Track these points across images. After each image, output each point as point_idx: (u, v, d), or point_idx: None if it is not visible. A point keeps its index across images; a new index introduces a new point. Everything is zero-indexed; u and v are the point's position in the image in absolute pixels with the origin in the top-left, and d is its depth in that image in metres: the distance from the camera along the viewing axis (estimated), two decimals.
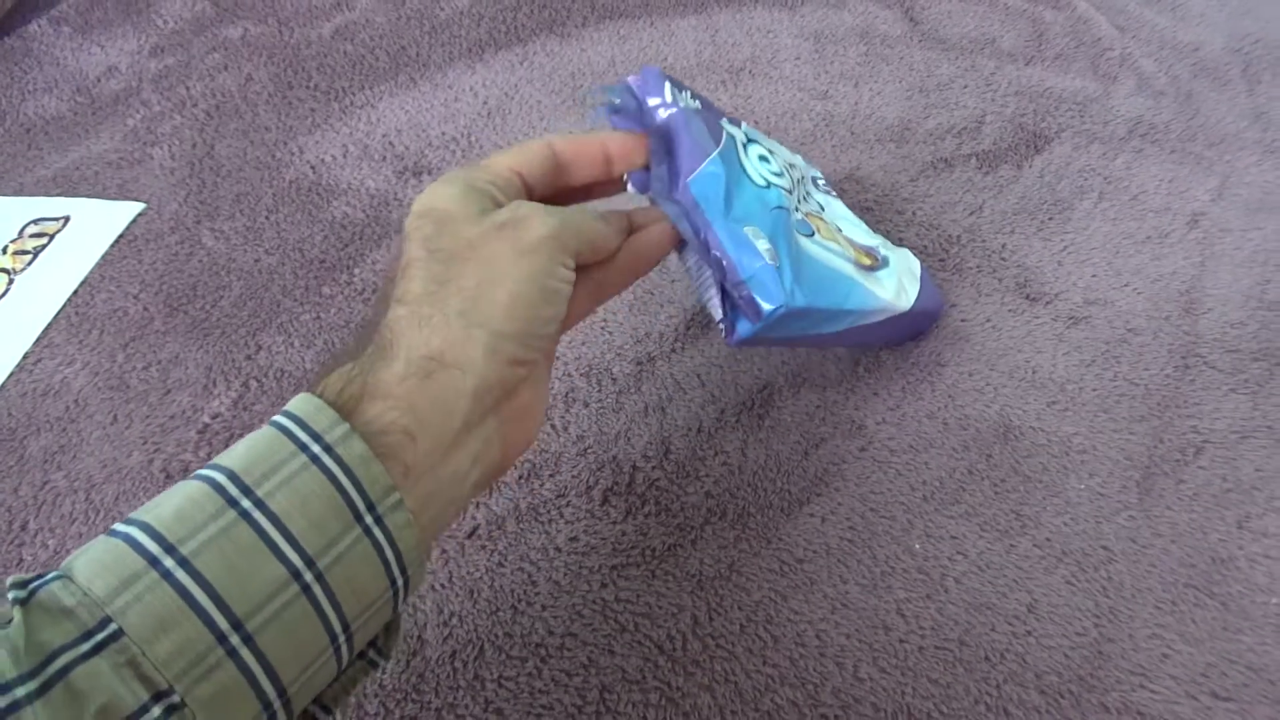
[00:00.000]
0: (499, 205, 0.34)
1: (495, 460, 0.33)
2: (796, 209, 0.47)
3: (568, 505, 0.50)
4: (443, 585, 0.47)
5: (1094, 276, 0.60)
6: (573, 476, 0.52)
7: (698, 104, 0.44)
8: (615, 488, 0.51)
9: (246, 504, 0.26)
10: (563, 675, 0.44)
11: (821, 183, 0.57)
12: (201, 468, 0.27)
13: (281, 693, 0.26)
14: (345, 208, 0.68)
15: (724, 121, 0.45)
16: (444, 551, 0.49)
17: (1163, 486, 0.50)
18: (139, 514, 0.26)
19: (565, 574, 0.48)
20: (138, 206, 0.69)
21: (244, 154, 0.73)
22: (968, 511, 0.49)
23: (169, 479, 0.52)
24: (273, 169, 0.72)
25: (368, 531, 0.27)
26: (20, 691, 0.21)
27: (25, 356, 0.59)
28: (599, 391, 0.55)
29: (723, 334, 0.41)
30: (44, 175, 0.73)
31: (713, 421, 0.53)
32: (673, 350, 0.57)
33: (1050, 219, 0.64)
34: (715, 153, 0.41)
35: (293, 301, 0.61)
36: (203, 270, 0.64)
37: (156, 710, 0.23)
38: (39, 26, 0.87)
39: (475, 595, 0.47)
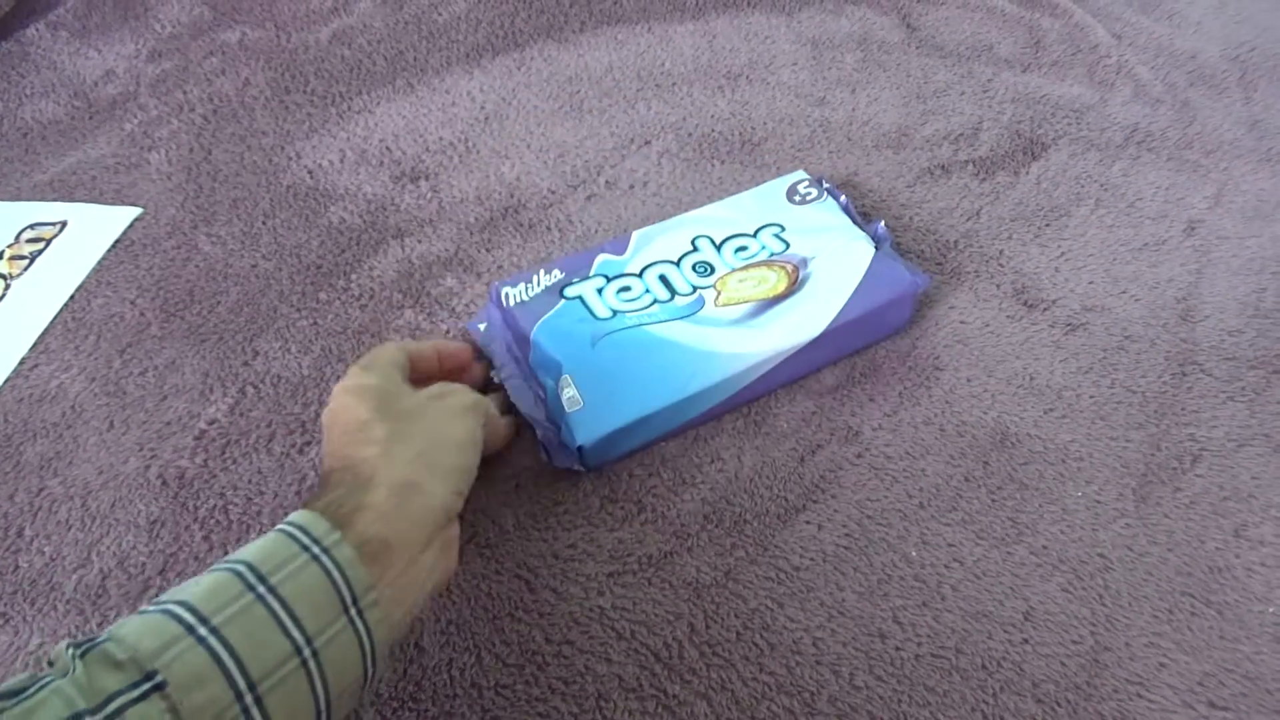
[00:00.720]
0: (403, 382, 0.46)
1: (437, 579, 0.41)
2: (672, 299, 0.55)
3: (565, 513, 0.50)
4: (441, 593, 0.47)
5: (1091, 283, 0.60)
6: (569, 485, 0.52)
7: (540, 288, 0.56)
8: (612, 495, 0.51)
9: (262, 589, 0.32)
10: (559, 683, 0.44)
11: (797, 196, 0.62)
12: (219, 562, 0.34)
13: None
14: (342, 213, 0.68)
15: (592, 271, 0.57)
16: None
17: (1159, 494, 0.50)
18: (173, 594, 0.32)
19: (562, 581, 0.48)
20: (135, 211, 0.69)
21: (241, 159, 0.73)
22: (964, 519, 0.49)
23: (165, 486, 0.52)
24: (270, 174, 0.72)
25: (352, 621, 0.34)
26: None
27: (21, 362, 0.59)
28: None
29: (546, 459, 0.52)
30: (41, 180, 0.73)
31: (709, 428, 0.53)
32: None
33: (1047, 225, 0.64)
34: (537, 324, 0.54)
35: (289, 307, 0.61)
36: (199, 276, 0.64)
37: None
38: (36, 31, 0.87)
39: (473, 602, 0.47)
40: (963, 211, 0.65)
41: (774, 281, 0.55)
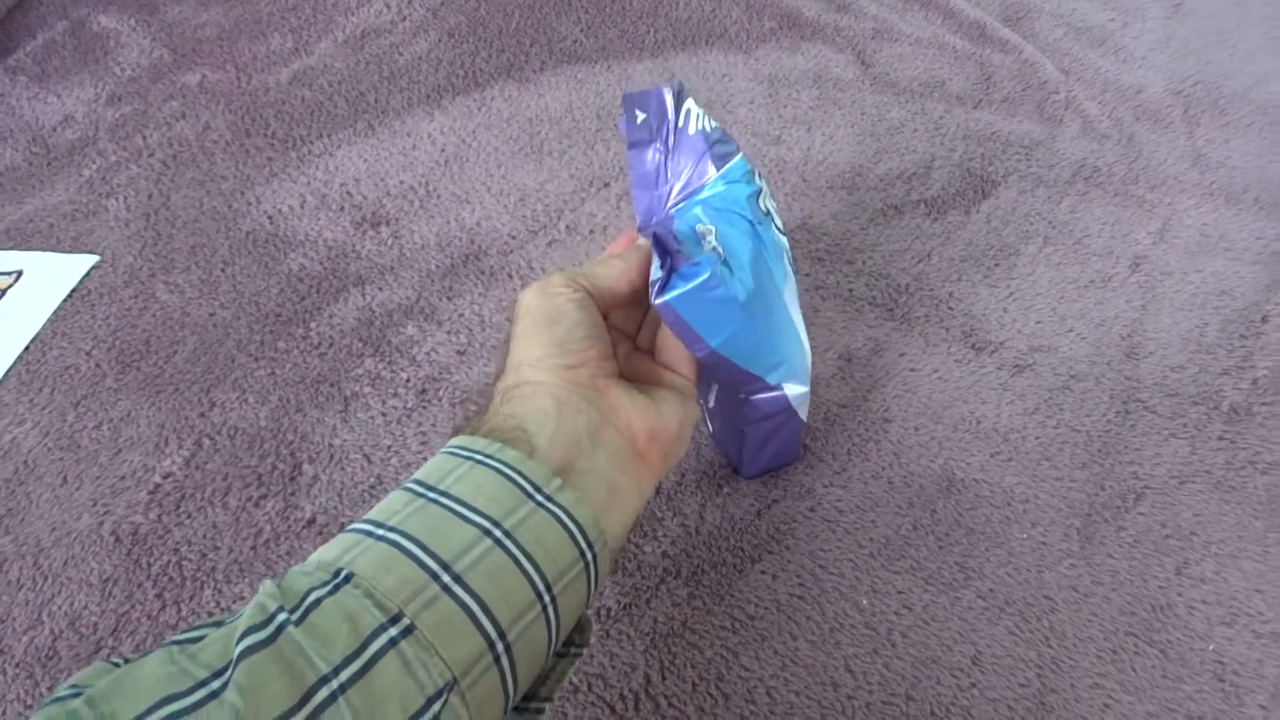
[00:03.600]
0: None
1: (629, 452, 0.38)
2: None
3: None
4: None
5: (1038, 323, 0.61)
6: None
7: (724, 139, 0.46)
8: None
9: (433, 495, 0.32)
10: None
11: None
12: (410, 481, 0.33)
13: (501, 634, 0.29)
14: (302, 259, 0.68)
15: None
16: None
17: (1103, 534, 0.51)
18: (375, 514, 0.32)
19: None
20: (92, 259, 0.69)
21: (200, 204, 0.73)
22: (913, 566, 0.50)
23: (119, 542, 0.52)
24: (229, 220, 0.72)
25: (541, 505, 0.33)
26: (285, 617, 0.27)
27: None
28: None
29: (652, 298, 0.40)
30: None
31: (672, 485, 0.54)
32: None
33: (996, 265, 0.65)
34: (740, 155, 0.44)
35: (247, 357, 0.61)
36: (156, 325, 0.64)
37: (394, 630, 0.27)
38: None
39: None
40: (914, 253, 0.66)
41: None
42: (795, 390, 0.47)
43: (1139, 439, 0.55)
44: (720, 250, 0.41)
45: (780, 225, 0.47)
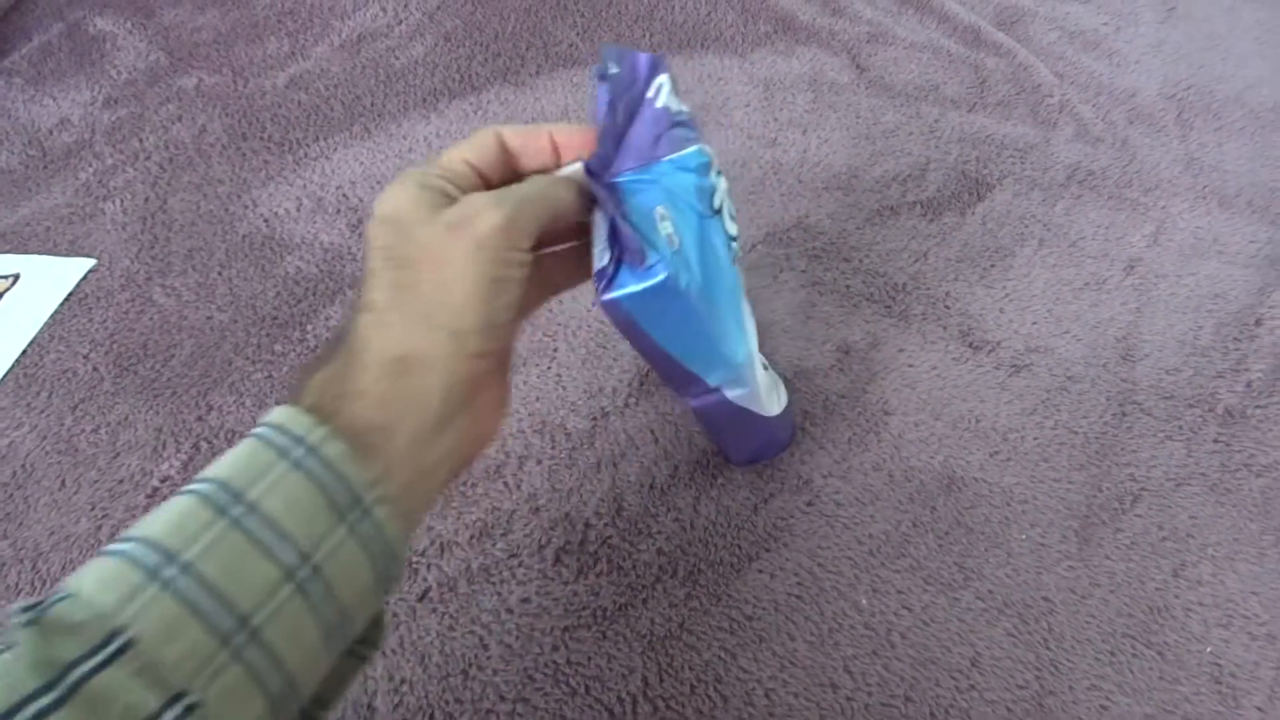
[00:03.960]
0: (452, 200, 0.34)
1: (466, 454, 0.35)
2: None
3: (520, 565, 0.51)
4: (393, 651, 0.47)
5: (1034, 324, 0.61)
6: (525, 535, 0.52)
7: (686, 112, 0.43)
8: (568, 546, 0.51)
9: (238, 510, 0.27)
10: None
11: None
12: (186, 484, 0.28)
13: (289, 682, 0.27)
14: (299, 262, 0.68)
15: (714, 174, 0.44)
16: (395, 615, 0.49)
17: (1101, 536, 0.51)
18: (132, 531, 0.27)
19: (517, 636, 0.48)
20: (88, 263, 0.69)
21: (197, 207, 0.73)
22: (913, 565, 0.50)
23: None
24: (226, 223, 0.72)
25: (355, 525, 0.29)
26: (43, 702, 0.22)
27: None
28: (552, 448, 0.56)
29: (597, 289, 0.37)
30: None
31: (666, 478, 0.54)
32: (626, 405, 0.58)
33: (992, 266, 0.65)
34: (696, 146, 0.41)
35: (244, 360, 0.61)
36: (153, 328, 0.64)
37: (176, 709, 0.24)
38: None
39: (426, 660, 0.47)
40: (911, 253, 0.66)
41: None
42: (735, 392, 0.45)
43: (1135, 441, 0.55)
44: (675, 240, 0.38)
45: (732, 230, 0.45)
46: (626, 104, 0.40)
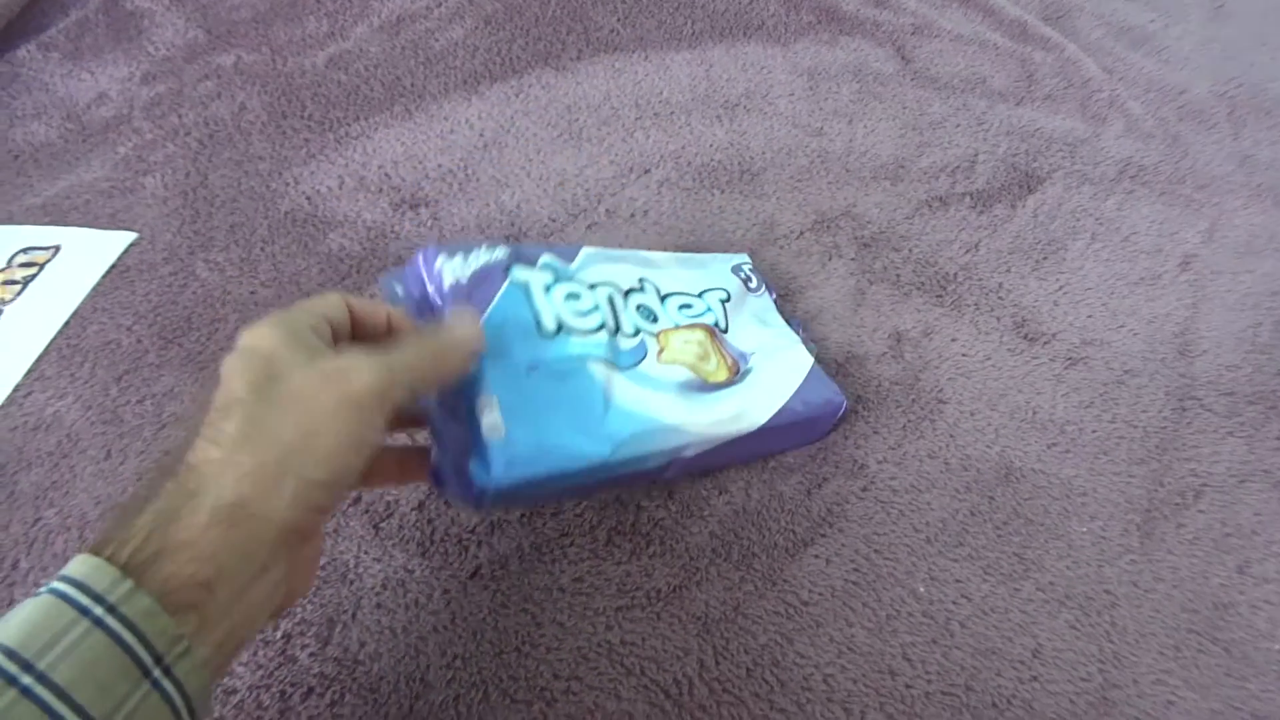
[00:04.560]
0: (318, 349, 0.34)
1: (280, 605, 0.34)
2: (618, 334, 0.48)
3: (571, 545, 0.50)
4: (446, 626, 0.47)
5: (1089, 317, 0.61)
6: (576, 515, 0.51)
7: (480, 264, 0.45)
8: (619, 527, 0.51)
9: (27, 680, 0.25)
10: None
11: (736, 288, 0.57)
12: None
13: None
14: (342, 240, 0.68)
15: (539, 262, 0.47)
16: (446, 591, 0.48)
17: (1163, 530, 0.50)
18: None
19: (569, 615, 0.47)
20: (130, 236, 0.68)
21: (238, 184, 0.73)
22: (971, 554, 0.49)
23: None
24: (267, 200, 0.71)
25: (156, 684, 0.27)
26: None
27: (15, 389, 0.58)
28: None
29: (433, 483, 0.42)
30: (33, 203, 0.72)
31: None
32: None
33: (1045, 259, 0.65)
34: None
35: None
36: (197, 302, 0.63)
37: None
38: (28, 52, 0.86)
39: (479, 637, 0.46)
40: (961, 244, 0.66)
41: (715, 364, 0.51)
42: (690, 447, 0.47)
43: (1195, 436, 0.54)
44: (501, 429, 0.40)
45: (629, 325, 0.48)
46: (429, 312, 0.44)
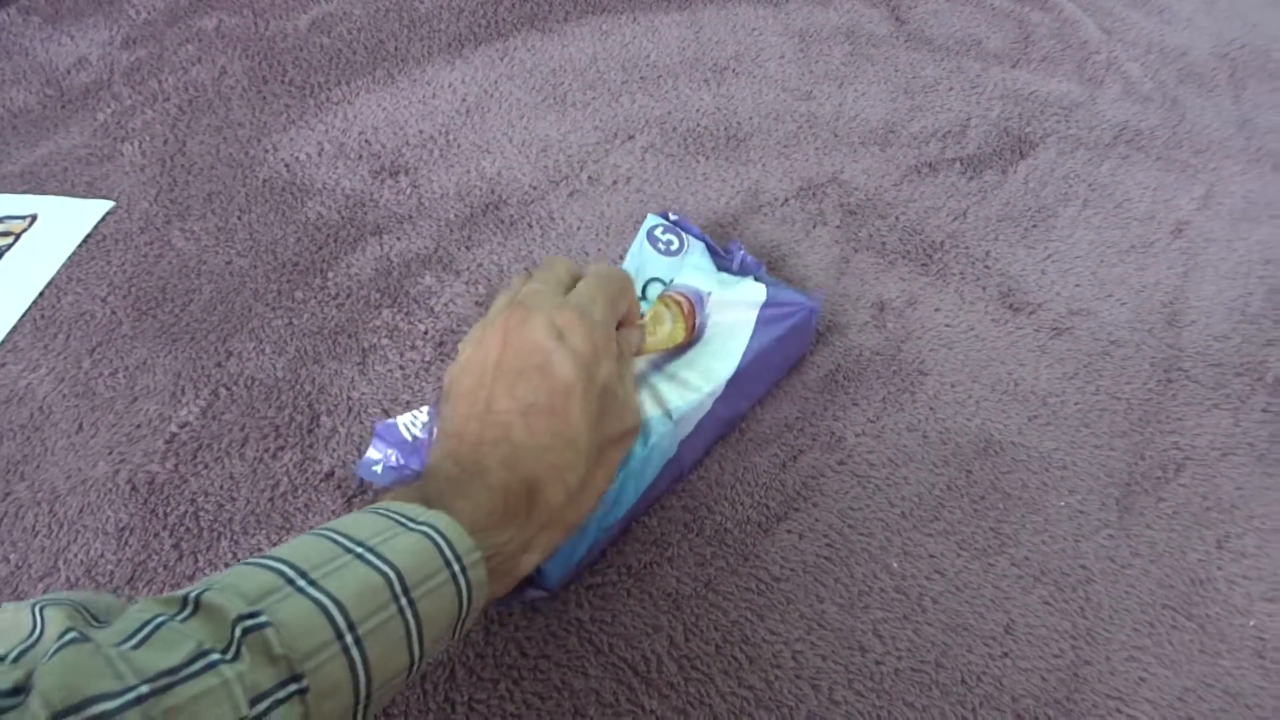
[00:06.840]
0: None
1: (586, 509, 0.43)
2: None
3: None
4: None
5: (1077, 286, 0.59)
6: None
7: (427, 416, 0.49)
8: None
9: (404, 602, 0.32)
10: (535, 698, 0.43)
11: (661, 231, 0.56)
12: (367, 553, 0.33)
13: (369, 693, 0.31)
14: (320, 208, 0.67)
15: None
16: None
17: (1143, 504, 0.49)
18: (326, 582, 0.31)
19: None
20: (107, 205, 0.68)
21: (217, 151, 0.72)
22: (946, 529, 0.48)
23: (134, 491, 0.51)
24: (246, 167, 0.70)
25: (455, 576, 0.35)
26: (216, 657, 0.27)
27: None
28: None
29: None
30: (10, 171, 0.71)
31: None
32: None
33: (1034, 226, 0.63)
34: None
35: (264, 306, 0.60)
36: (172, 272, 0.63)
37: (292, 688, 0.28)
38: (7, 16, 0.85)
39: None
40: (949, 211, 0.64)
41: (670, 327, 0.50)
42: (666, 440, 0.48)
43: (1180, 408, 0.53)
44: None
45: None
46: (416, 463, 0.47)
